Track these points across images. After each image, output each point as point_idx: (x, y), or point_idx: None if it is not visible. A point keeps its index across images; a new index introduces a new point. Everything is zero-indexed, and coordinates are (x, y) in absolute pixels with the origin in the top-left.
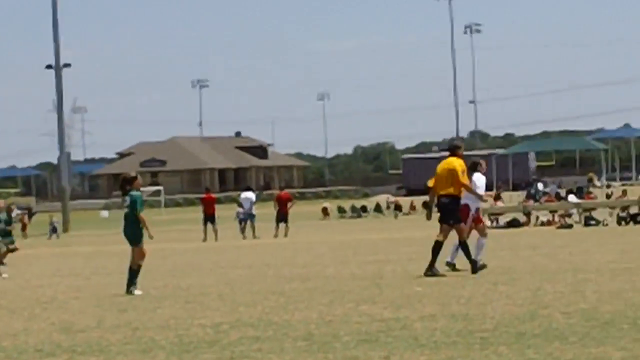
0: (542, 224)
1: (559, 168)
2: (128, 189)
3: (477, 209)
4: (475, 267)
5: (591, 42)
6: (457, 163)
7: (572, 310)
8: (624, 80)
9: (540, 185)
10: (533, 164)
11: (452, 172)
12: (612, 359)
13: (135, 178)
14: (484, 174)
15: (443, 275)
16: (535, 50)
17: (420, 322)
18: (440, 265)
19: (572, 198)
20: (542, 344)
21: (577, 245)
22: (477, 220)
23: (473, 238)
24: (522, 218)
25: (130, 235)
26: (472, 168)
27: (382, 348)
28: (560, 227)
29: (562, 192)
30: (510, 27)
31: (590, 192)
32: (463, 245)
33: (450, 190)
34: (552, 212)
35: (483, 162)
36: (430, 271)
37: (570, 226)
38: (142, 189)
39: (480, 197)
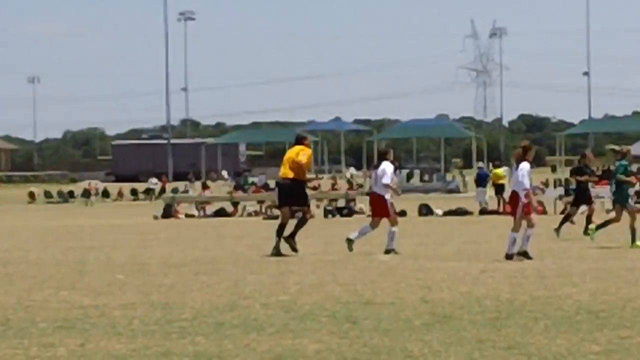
0: (250, 214)
1: (270, 159)
2: None
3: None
4: (275, 251)
5: (304, 34)
6: (302, 150)
7: (272, 301)
8: (335, 73)
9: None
10: (243, 154)
11: (298, 159)
12: (307, 350)
13: None
14: (391, 162)
15: (285, 255)
16: (248, 40)
17: (119, 310)
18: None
19: None
20: (239, 335)
21: None
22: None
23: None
24: (230, 208)
25: None
26: (381, 157)
27: (79, 335)
28: (266, 218)
29: (272, 184)
30: (223, 16)
31: None
32: (282, 227)
33: (294, 175)
34: (260, 202)
35: (391, 150)
36: (275, 250)
37: (276, 217)
38: None
39: (387, 187)
